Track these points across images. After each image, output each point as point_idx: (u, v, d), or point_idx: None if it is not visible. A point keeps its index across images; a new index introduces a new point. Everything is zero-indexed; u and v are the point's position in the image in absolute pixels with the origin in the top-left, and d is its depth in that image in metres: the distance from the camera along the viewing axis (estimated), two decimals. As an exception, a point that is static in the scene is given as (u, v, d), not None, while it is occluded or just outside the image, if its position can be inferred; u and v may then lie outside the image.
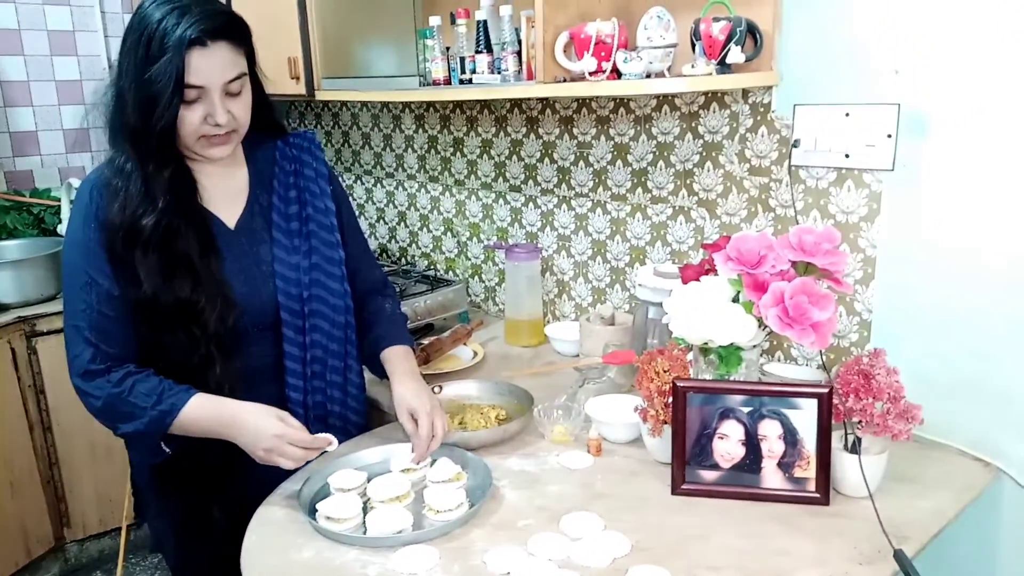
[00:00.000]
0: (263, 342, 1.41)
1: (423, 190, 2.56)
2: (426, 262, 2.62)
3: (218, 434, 1.30)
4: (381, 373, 1.50)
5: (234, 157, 1.39)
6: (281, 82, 2.23)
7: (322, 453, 1.31)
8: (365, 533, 1.20)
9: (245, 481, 1.35)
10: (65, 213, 2.81)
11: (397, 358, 1.48)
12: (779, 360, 1.70)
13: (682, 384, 1.28)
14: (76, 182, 2.78)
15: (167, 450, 1.36)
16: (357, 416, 1.56)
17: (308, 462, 1.31)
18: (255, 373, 1.39)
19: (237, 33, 1.26)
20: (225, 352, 1.32)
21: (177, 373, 1.31)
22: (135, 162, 1.25)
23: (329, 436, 1.31)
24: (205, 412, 1.29)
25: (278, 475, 1.36)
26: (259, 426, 1.27)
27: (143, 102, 1.21)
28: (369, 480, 1.32)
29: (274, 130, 1.44)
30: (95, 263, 1.27)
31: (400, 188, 2.65)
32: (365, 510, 1.25)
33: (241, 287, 1.35)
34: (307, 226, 1.44)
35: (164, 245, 1.26)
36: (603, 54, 1.51)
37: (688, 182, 1.80)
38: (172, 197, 1.27)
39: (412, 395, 1.39)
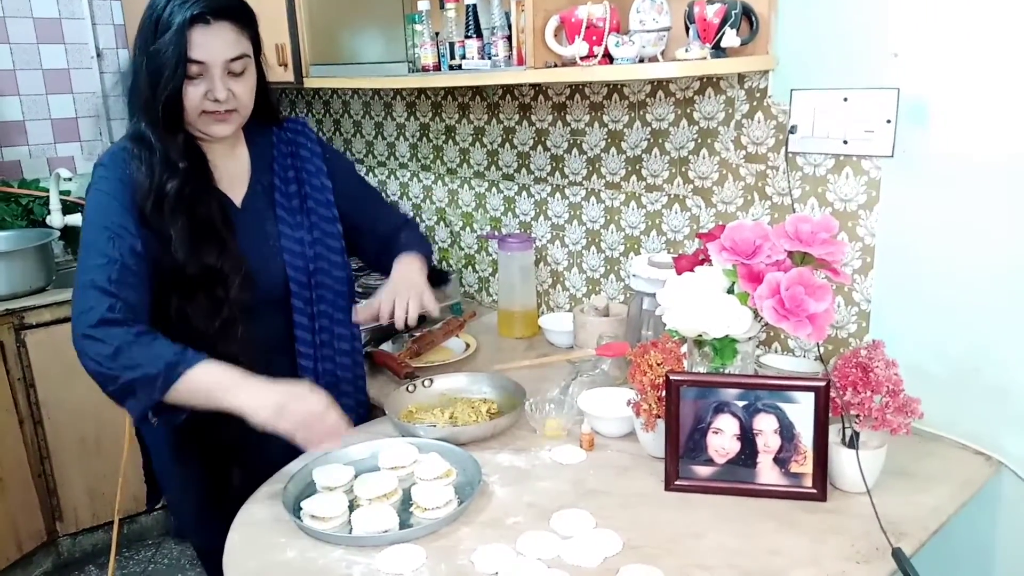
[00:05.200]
0: (273, 316, 1.46)
1: (415, 179, 2.52)
2: (419, 252, 2.58)
3: (228, 389, 1.23)
4: None
5: (237, 140, 1.45)
6: (269, 69, 2.18)
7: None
8: (351, 532, 1.17)
9: (263, 447, 1.34)
10: (55, 204, 2.77)
11: (402, 258, 1.57)
12: (776, 351, 1.67)
13: (675, 377, 1.25)
14: (65, 172, 2.74)
15: (154, 420, 1.32)
16: (362, 394, 1.62)
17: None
18: (267, 347, 1.42)
19: (241, 15, 1.32)
20: (244, 315, 1.37)
21: (195, 342, 1.30)
22: (150, 128, 1.30)
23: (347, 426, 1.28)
24: (221, 369, 1.25)
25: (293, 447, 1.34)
26: (273, 382, 1.24)
27: (151, 74, 1.26)
28: (356, 476, 1.29)
29: (271, 117, 1.49)
30: (123, 219, 1.28)
31: (392, 177, 2.61)
32: (351, 508, 1.22)
33: (253, 262, 1.40)
34: (306, 203, 1.51)
35: (190, 210, 1.32)
36: (594, 38, 1.47)
37: (683, 169, 1.76)
38: (190, 165, 1.32)
39: (400, 279, 1.52)
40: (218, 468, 1.43)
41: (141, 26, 1.29)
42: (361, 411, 1.62)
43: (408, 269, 1.54)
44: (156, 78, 1.26)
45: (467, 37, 1.72)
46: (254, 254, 1.41)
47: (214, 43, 1.27)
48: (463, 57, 1.75)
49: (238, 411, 1.22)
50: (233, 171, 1.45)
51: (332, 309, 1.52)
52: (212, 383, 1.23)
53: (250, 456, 1.38)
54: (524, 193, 2.17)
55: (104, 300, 1.24)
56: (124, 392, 1.24)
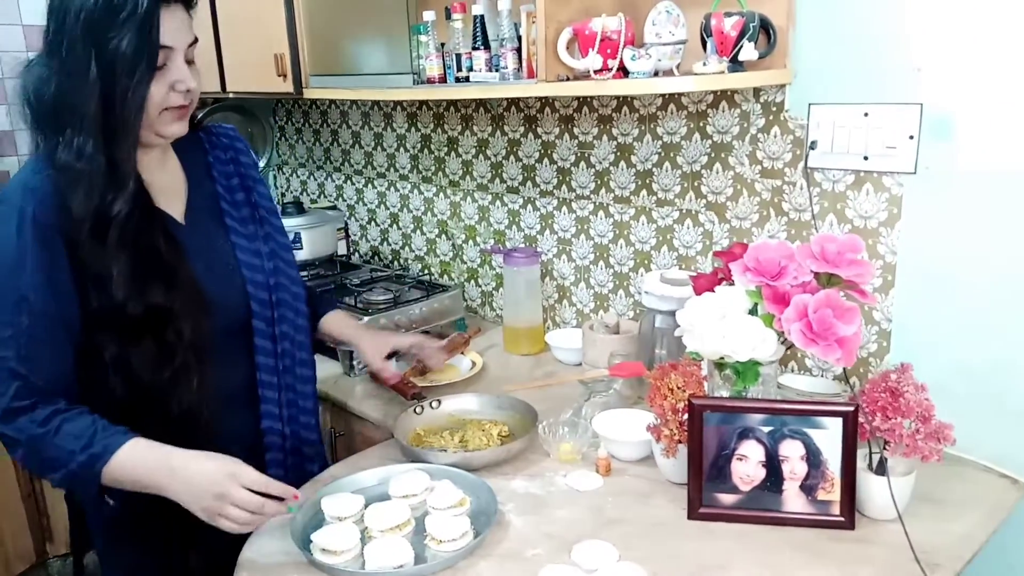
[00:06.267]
0: (233, 343, 1.30)
1: (416, 191, 2.48)
2: (419, 266, 2.54)
3: (155, 484, 1.11)
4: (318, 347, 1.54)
5: (166, 148, 1.27)
6: (267, 79, 2.13)
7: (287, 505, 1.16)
8: (363, 566, 1.12)
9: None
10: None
11: (339, 319, 1.60)
12: (792, 371, 1.63)
13: (699, 403, 1.21)
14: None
15: (111, 501, 1.22)
16: (316, 419, 1.48)
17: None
18: (227, 384, 1.28)
19: None
20: (200, 360, 1.19)
21: (141, 396, 1.16)
22: (100, 140, 1.09)
23: (292, 490, 1.14)
24: (142, 457, 1.11)
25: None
26: (205, 469, 1.10)
27: (110, 71, 1.08)
28: (366, 506, 1.24)
29: (192, 121, 1.31)
30: (28, 276, 1.09)
31: (392, 189, 2.57)
32: (363, 540, 1.17)
33: (211, 285, 1.23)
34: (257, 212, 1.38)
35: (134, 240, 1.13)
36: (609, 51, 1.43)
37: (696, 184, 1.73)
38: (135, 184, 1.14)
39: (381, 336, 1.61)
40: (173, 551, 1.27)
41: (81, 14, 1.07)
42: (320, 448, 1.49)
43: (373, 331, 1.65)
44: (125, 73, 1.08)
45: (474, 49, 1.68)
46: (209, 276, 1.24)
47: (177, 27, 1.13)
48: (470, 69, 1.70)
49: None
50: (168, 184, 1.26)
51: (293, 331, 1.37)
52: (139, 475, 1.11)
53: (207, 536, 1.17)
54: (529, 207, 2.13)
55: (10, 384, 1.09)
56: (69, 487, 1.19)
